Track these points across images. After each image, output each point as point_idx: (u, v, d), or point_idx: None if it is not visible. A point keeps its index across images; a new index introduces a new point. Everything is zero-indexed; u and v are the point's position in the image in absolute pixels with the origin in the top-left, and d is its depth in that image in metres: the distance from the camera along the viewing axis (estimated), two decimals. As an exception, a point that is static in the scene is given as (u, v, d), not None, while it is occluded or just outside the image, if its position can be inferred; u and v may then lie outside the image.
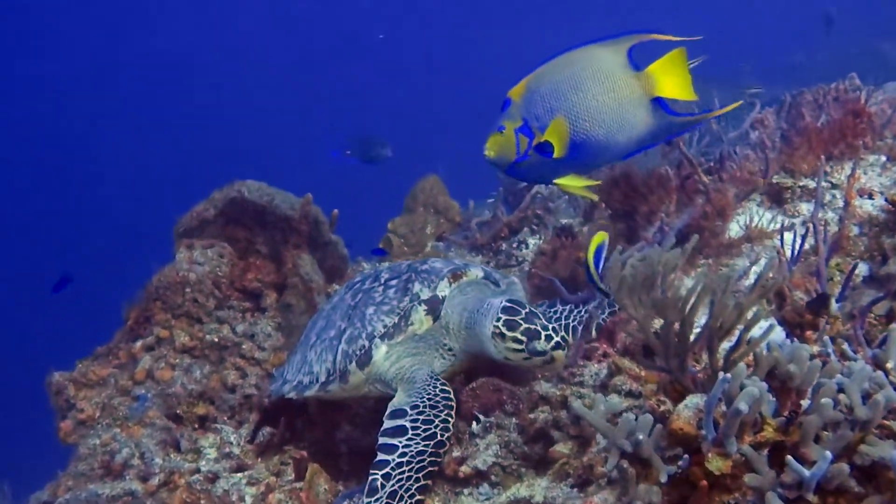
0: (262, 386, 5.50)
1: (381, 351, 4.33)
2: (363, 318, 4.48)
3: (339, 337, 4.55)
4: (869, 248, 4.13)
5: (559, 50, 3.91)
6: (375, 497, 3.73)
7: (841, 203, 4.47)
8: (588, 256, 3.85)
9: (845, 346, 3.05)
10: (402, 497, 3.72)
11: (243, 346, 5.71)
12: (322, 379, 4.54)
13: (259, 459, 4.96)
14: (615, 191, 5.16)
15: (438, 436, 3.90)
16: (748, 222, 4.55)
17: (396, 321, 4.36)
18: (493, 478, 3.84)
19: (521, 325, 3.96)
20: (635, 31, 3.85)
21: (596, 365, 3.85)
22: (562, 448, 3.60)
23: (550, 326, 3.96)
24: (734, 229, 4.64)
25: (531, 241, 6.82)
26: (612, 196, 5.18)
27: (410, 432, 3.93)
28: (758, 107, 5.75)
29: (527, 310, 4.03)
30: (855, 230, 4.29)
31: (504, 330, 3.98)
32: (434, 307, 4.34)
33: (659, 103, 3.89)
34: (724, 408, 2.73)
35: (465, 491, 3.87)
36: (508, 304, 4.05)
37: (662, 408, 3.01)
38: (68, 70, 46.29)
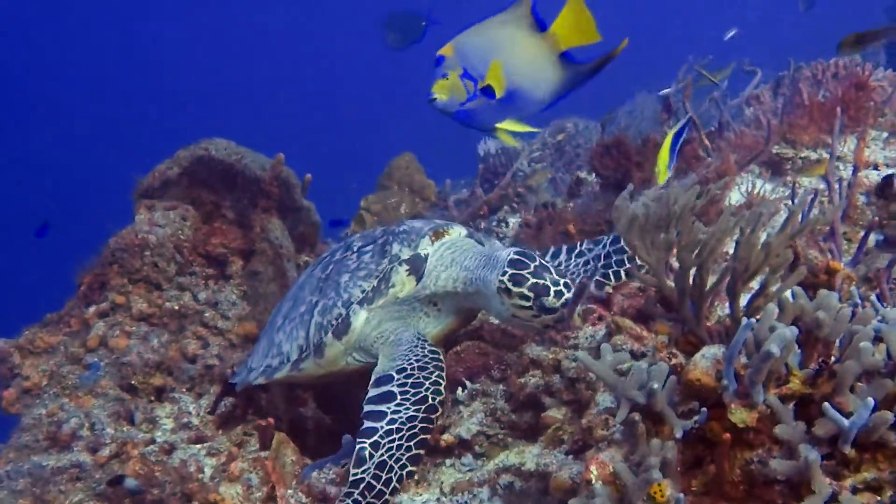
0: (224, 356, 5.16)
1: (360, 317, 4.01)
2: (337, 287, 4.16)
3: (311, 311, 4.22)
4: (879, 216, 3.92)
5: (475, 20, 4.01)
6: (363, 468, 3.39)
7: (845, 175, 4.26)
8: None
9: (873, 297, 2.80)
10: (391, 468, 3.39)
11: (205, 315, 5.35)
12: (294, 357, 4.21)
13: (220, 431, 4.63)
14: (607, 159, 4.92)
15: (430, 399, 3.58)
16: (750, 189, 4.31)
17: (375, 284, 4.04)
18: (476, 448, 3.56)
19: (528, 279, 3.64)
20: None
21: (591, 327, 3.56)
22: (555, 413, 3.32)
23: (562, 281, 3.64)
24: (734, 197, 4.40)
25: (511, 220, 6.56)
26: (605, 164, 4.93)
27: (399, 397, 3.60)
28: (759, 76, 5.54)
29: (536, 263, 3.70)
30: (861, 199, 4.08)
31: (510, 285, 3.66)
32: (416, 266, 4.02)
33: (566, 56, 3.96)
34: (744, 360, 2.47)
35: (447, 462, 3.58)
36: (516, 257, 3.73)
37: (674, 361, 2.73)
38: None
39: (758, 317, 2.48)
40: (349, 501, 3.30)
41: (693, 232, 2.63)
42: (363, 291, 4.05)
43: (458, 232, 4.18)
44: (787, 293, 2.55)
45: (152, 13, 47.64)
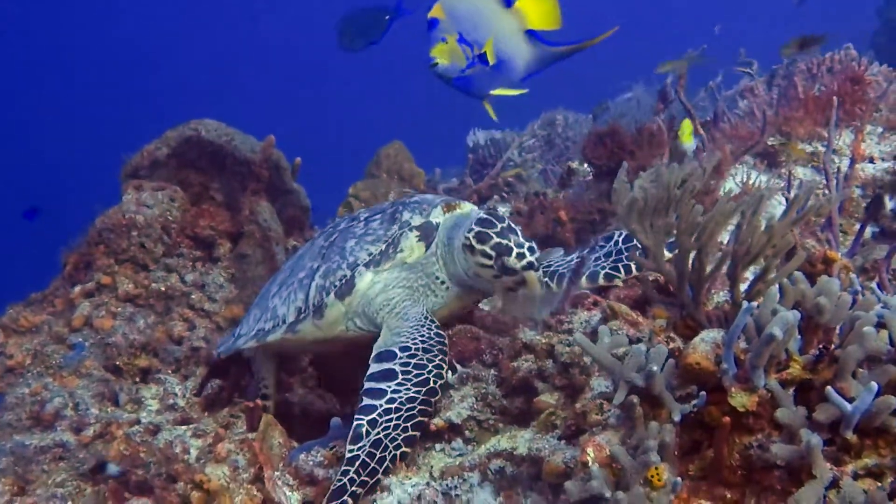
0: (211, 339, 5.10)
1: (365, 279, 3.95)
2: (342, 251, 4.09)
3: (312, 275, 4.15)
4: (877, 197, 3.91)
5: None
6: (359, 445, 3.32)
7: (838, 167, 4.24)
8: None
9: (873, 285, 2.78)
10: (386, 447, 3.32)
11: (192, 297, 5.30)
12: (290, 319, 4.13)
13: (206, 413, 4.57)
14: (600, 149, 4.87)
15: (431, 382, 3.52)
16: (744, 179, 4.29)
17: (384, 248, 3.98)
18: (467, 433, 3.51)
19: (492, 238, 3.65)
20: None
21: (586, 313, 3.54)
22: (547, 398, 3.29)
23: (526, 245, 3.64)
24: (729, 186, 4.38)
25: (501, 209, 6.51)
26: (597, 154, 4.89)
27: (401, 376, 3.54)
28: (755, 66, 5.52)
29: (504, 224, 3.70)
30: (857, 192, 4.07)
31: (474, 242, 3.67)
32: (427, 233, 3.97)
33: (534, 35, 3.97)
34: (744, 344, 2.45)
35: (437, 446, 3.52)
36: (485, 216, 3.73)
37: (672, 345, 2.69)
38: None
39: (758, 301, 2.46)
40: (346, 480, 3.22)
41: (692, 215, 2.60)
42: (370, 254, 3.99)
43: (469, 207, 4.14)
44: (786, 279, 2.53)
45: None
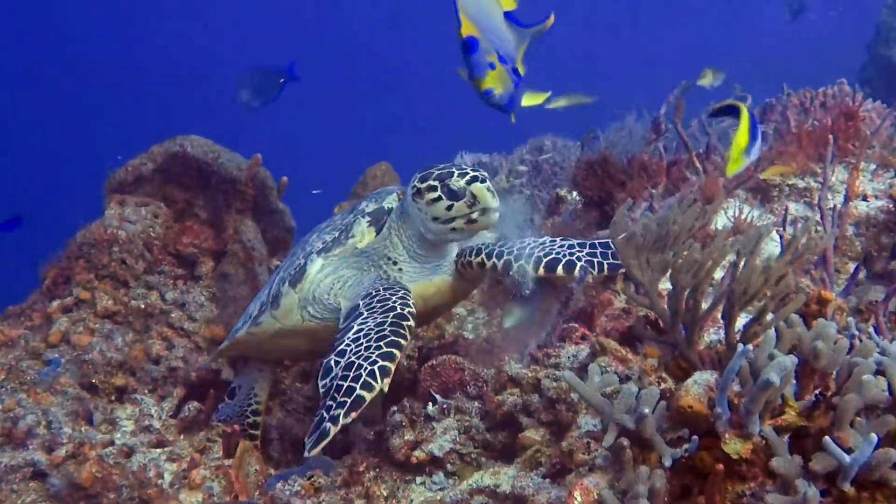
0: (189, 359, 5.00)
1: (316, 264, 3.93)
2: (305, 244, 4.15)
3: (279, 271, 4.22)
4: (866, 248, 3.86)
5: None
6: (330, 377, 3.22)
7: (832, 204, 4.19)
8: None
9: (871, 329, 2.72)
10: (360, 365, 3.16)
11: (172, 315, 5.19)
12: (254, 314, 4.15)
13: (182, 436, 4.45)
14: (591, 178, 4.81)
15: (398, 308, 3.46)
16: (736, 214, 4.24)
17: (337, 236, 3.97)
18: (448, 466, 3.43)
19: (433, 172, 3.63)
20: None
21: (573, 347, 3.47)
22: (532, 434, 3.21)
23: (469, 167, 3.61)
24: (721, 221, 4.32)
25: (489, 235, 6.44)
26: (586, 184, 4.83)
27: (366, 312, 3.48)
28: (749, 101, 5.49)
29: (448, 165, 3.68)
30: (851, 230, 4.02)
31: (418, 184, 3.65)
32: (378, 217, 3.94)
33: (510, 17, 3.72)
34: (737, 387, 2.38)
35: (418, 479, 3.45)
36: (424, 167, 3.73)
37: (663, 385, 2.63)
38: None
39: (754, 343, 2.40)
40: (322, 411, 3.09)
41: (690, 253, 2.54)
42: (324, 242, 4.00)
43: None
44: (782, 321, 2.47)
45: (133, 7, 47.30)
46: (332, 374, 3.21)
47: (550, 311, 3.80)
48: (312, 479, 3.50)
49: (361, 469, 3.45)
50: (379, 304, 3.50)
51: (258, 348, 4.45)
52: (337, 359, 3.27)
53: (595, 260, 3.73)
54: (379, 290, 3.61)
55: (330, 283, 3.92)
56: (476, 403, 3.55)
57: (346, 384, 3.11)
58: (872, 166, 4.78)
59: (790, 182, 4.59)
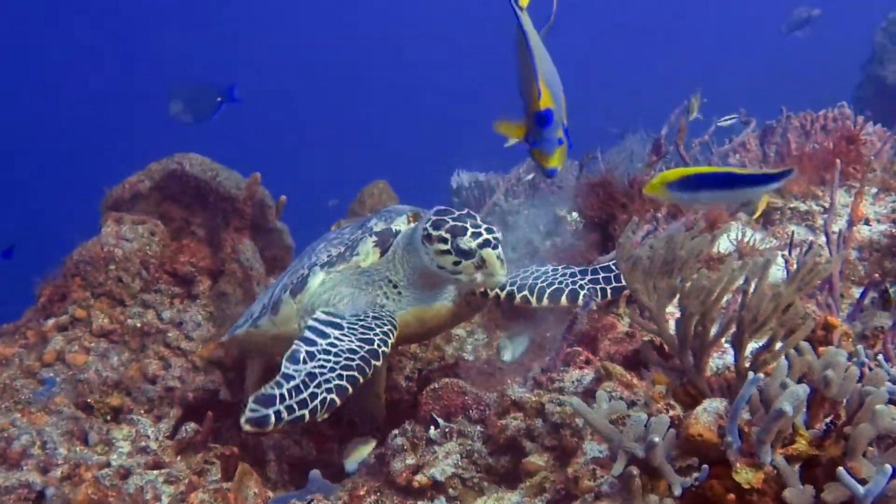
0: (186, 378, 4.94)
1: (317, 278, 3.95)
2: (311, 254, 4.16)
3: (284, 276, 4.24)
4: (869, 273, 3.85)
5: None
6: (296, 367, 3.34)
7: (836, 228, 4.18)
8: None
9: (881, 357, 2.70)
10: (319, 384, 3.29)
11: (169, 334, 5.13)
12: (256, 314, 4.21)
13: (179, 457, 4.40)
14: (591, 199, 4.81)
15: (376, 344, 3.51)
16: (739, 238, 4.22)
17: (342, 251, 3.99)
18: (450, 491, 3.38)
19: (447, 222, 3.58)
20: None
21: (577, 371, 3.43)
22: (536, 459, 3.17)
23: (483, 226, 3.58)
24: (723, 244, 4.30)
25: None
26: (588, 205, 4.82)
27: (346, 329, 3.56)
28: (752, 124, 5.48)
29: (463, 212, 3.65)
30: (854, 254, 4.01)
31: (430, 230, 3.61)
32: (384, 239, 3.94)
33: None
34: (746, 415, 2.36)
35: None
36: (441, 207, 3.70)
37: (672, 412, 2.59)
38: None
39: (765, 371, 2.38)
40: (277, 393, 3.21)
41: (699, 278, 2.52)
42: (329, 256, 4.02)
43: None
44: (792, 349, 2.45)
45: (123, 22, 47.28)
46: (298, 369, 3.34)
47: (552, 336, 3.79)
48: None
49: (362, 493, 3.40)
50: (361, 330, 3.57)
51: (256, 346, 4.54)
52: (306, 356, 3.40)
53: (598, 287, 3.76)
54: (368, 316, 3.68)
55: (328, 298, 3.94)
56: (478, 427, 3.50)
57: (303, 394, 3.25)
58: (874, 190, 4.78)
59: (791, 205, 4.58)
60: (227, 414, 5.05)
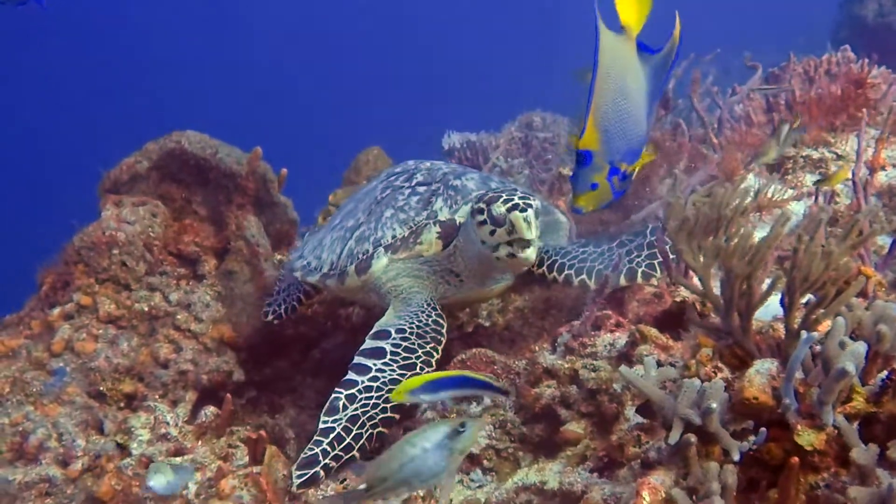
0: (198, 361, 4.87)
1: (381, 263, 4.02)
2: (379, 219, 4.17)
3: (353, 231, 4.26)
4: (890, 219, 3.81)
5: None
6: (334, 417, 3.33)
7: (849, 174, 4.13)
8: None
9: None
10: (363, 423, 3.30)
11: (178, 317, 5.04)
12: (325, 270, 4.30)
13: (200, 442, 4.33)
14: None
15: (418, 367, 3.50)
16: (759, 190, 4.16)
17: (406, 235, 4.01)
18: (485, 462, 3.36)
19: (488, 195, 3.64)
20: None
21: (609, 335, 3.39)
22: (575, 427, 3.14)
23: (518, 193, 3.59)
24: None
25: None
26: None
27: (388, 356, 3.55)
28: (759, 72, 5.40)
29: (511, 188, 3.75)
30: (873, 201, 3.96)
31: (474, 203, 3.70)
32: (448, 232, 3.96)
33: (641, 47, 2.99)
34: (800, 375, 2.32)
35: (455, 477, 3.36)
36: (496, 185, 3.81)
37: (720, 375, 2.55)
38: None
39: (818, 329, 2.34)
40: (318, 450, 3.22)
41: (744, 237, 2.46)
42: (393, 237, 4.05)
43: None
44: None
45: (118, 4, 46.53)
46: (336, 419, 3.33)
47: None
48: (345, 483, 3.42)
49: (395, 469, 3.36)
50: (403, 353, 3.57)
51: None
52: (346, 403, 3.38)
53: (655, 262, 3.73)
54: (413, 332, 3.66)
55: (389, 287, 4.04)
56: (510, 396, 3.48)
57: (347, 439, 3.27)
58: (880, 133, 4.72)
59: (804, 154, 4.52)
60: (241, 394, 5.01)
